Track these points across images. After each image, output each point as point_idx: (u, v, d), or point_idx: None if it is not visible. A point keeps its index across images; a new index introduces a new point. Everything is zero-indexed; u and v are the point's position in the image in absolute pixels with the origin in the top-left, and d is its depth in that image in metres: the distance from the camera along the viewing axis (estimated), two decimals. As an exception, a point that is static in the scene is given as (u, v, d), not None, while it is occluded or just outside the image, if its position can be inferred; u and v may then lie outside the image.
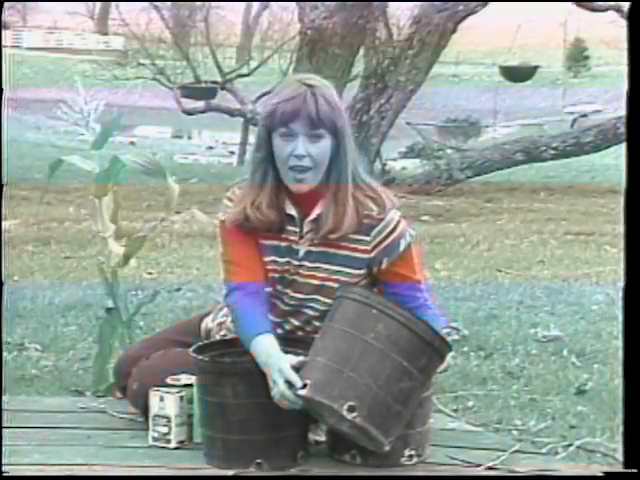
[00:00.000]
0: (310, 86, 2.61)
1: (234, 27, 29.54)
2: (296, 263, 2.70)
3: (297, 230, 2.69)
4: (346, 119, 2.68)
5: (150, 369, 2.83)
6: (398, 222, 2.68)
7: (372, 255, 2.67)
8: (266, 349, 2.57)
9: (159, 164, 3.49)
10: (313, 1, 10.06)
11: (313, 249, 2.68)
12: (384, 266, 2.69)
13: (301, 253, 2.69)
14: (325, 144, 2.61)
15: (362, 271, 2.69)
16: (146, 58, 18.91)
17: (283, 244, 2.70)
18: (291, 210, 2.67)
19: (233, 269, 2.73)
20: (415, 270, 2.73)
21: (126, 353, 3.11)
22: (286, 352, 2.56)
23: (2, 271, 3.30)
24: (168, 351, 2.88)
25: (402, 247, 2.68)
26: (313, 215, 2.66)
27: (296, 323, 2.75)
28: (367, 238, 2.66)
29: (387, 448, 2.46)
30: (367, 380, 2.42)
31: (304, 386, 2.43)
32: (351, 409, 2.39)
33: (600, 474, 2.56)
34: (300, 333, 2.75)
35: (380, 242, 2.67)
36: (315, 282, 2.69)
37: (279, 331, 2.71)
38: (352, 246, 2.67)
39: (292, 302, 2.73)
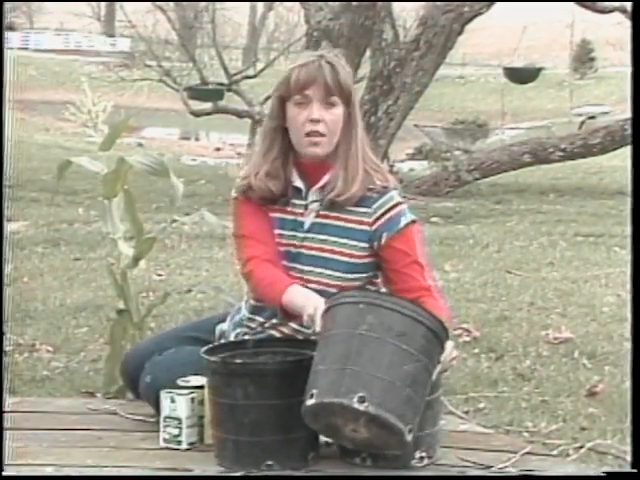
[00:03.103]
0: (325, 56, 2.68)
1: (240, 29, 29.60)
2: (301, 236, 2.73)
3: (302, 202, 2.72)
4: (356, 92, 2.75)
5: (163, 364, 2.82)
6: (400, 202, 2.73)
7: (373, 228, 2.70)
8: (303, 292, 2.64)
9: (163, 164, 3.50)
10: (319, 1, 10.06)
11: (318, 220, 2.72)
12: (384, 241, 2.71)
13: (306, 225, 2.73)
14: (338, 111, 2.67)
15: (365, 244, 2.72)
16: (152, 60, 18.95)
17: (289, 217, 2.74)
18: (298, 182, 2.71)
19: (245, 242, 2.77)
20: (415, 251, 2.74)
21: (135, 347, 3.10)
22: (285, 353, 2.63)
23: (3, 272, 3.29)
24: (182, 348, 2.88)
25: (402, 223, 2.72)
26: (320, 183, 2.70)
27: None
28: (369, 210, 2.70)
29: (409, 438, 2.42)
30: (370, 370, 2.40)
31: (311, 396, 2.42)
32: (361, 399, 2.37)
33: (602, 474, 2.55)
34: None
35: (381, 215, 2.70)
36: (320, 254, 2.72)
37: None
38: (355, 218, 2.71)
39: (298, 275, 2.74)
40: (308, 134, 2.65)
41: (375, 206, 2.70)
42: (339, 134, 2.69)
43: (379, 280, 2.81)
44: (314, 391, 2.41)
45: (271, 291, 2.70)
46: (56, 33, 42.97)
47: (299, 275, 2.73)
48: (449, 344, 2.55)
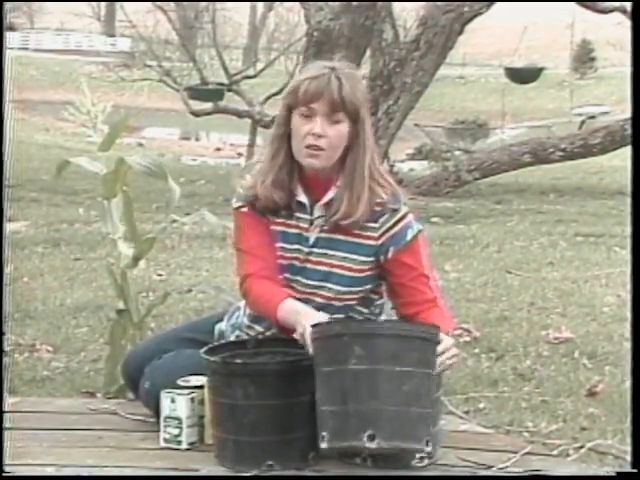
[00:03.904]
0: (336, 69, 2.63)
1: (240, 29, 29.61)
2: (306, 250, 2.71)
3: (308, 217, 2.70)
4: (367, 109, 2.69)
5: (162, 369, 2.82)
6: (407, 213, 2.70)
7: (379, 242, 2.68)
8: (295, 308, 2.61)
9: (161, 166, 3.50)
10: (319, 1, 10.07)
11: (323, 235, 2.70)
12: (390, 255, 2.69)
13: (311, 240, 2.71)
14: (343, 128, 2.63)
15: (371, 258, 2.70)
16: (153, 60, 18.94)
17: (292, 231, 2.71)
18: (302, 197, 2.69)
19: (244, 257, 2.75)
20: (422, 263, 2.73)
21: (135, 349, 3.10)
22: (285, 353, 2.62)
23: (3, 272, 3.29)
24: (181, 352, 2.88)
25: (409, 236, 2.69)
26: (325, 199, 2.67)
27: None
28: (375, 225, 2.68)
29: (428, 449, 2.44)
30: (372, 404, 2.39)
31: (322, 438, 2.42)
32: (371, 438, 2.37)
33: (611, 474, 2.55)
34: None
35: (388, 229, 2.68)
36: (325, 269, 2.70)
37: None
38: (361, 233, 2.68)
39: (302, 289, 2.73)
40: (308, 146, 2.63)
41: (382, 220, 2.67)
42: (342, 150, 2.65)
43: (383, 289, 2.79)
44: (324, 434, 2.42)
45: (269, 307, 2.68)
46: (56, 33, 43.00)
47: (302, 289, 2.72)
48: (448, 341, 2.54)
